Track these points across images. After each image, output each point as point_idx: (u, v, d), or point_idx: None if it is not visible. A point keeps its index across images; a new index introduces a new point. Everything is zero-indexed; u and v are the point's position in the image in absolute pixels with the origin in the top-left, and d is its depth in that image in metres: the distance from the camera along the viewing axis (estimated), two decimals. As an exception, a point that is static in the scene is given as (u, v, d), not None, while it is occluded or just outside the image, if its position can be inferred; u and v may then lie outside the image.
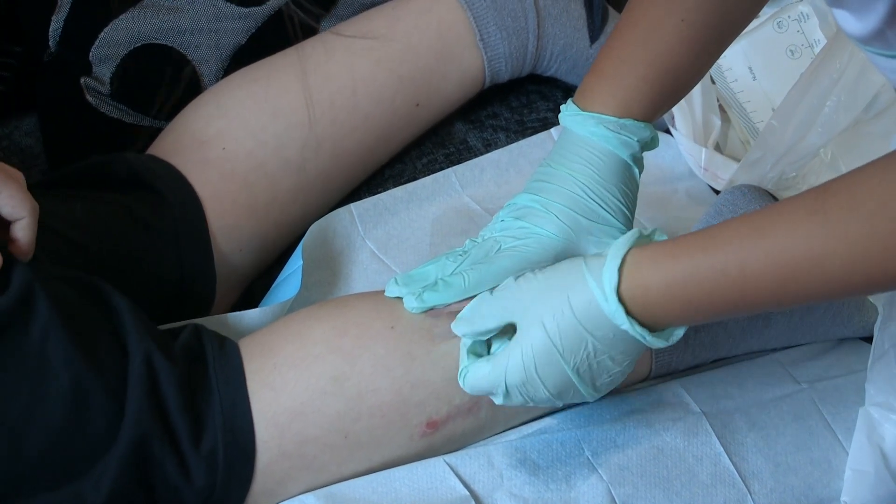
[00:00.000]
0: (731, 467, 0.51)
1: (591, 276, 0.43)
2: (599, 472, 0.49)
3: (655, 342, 0.43)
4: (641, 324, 0.43)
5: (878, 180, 0.37)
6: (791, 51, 0.73)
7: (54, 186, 0.60)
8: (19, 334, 0.45)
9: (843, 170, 0.60)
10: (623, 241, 0.44)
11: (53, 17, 0.66)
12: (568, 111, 0.51)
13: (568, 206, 0.48)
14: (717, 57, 0.54)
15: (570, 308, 0.43)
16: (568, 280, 0.44)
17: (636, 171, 0.51)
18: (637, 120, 0.49)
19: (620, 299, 0.42)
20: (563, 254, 0.48)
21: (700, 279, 0.41)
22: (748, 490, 0.50)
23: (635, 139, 0.49)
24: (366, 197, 0.64)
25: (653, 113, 0.51)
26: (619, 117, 0.49)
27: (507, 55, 0.68)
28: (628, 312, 0.42)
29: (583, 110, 0.50)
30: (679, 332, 0.44)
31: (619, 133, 0.49)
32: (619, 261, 0.43)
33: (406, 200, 0.63)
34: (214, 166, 0.62)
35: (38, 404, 0.45)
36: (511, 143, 0.68)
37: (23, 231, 0.47)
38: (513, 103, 0.72)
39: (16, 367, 0.45)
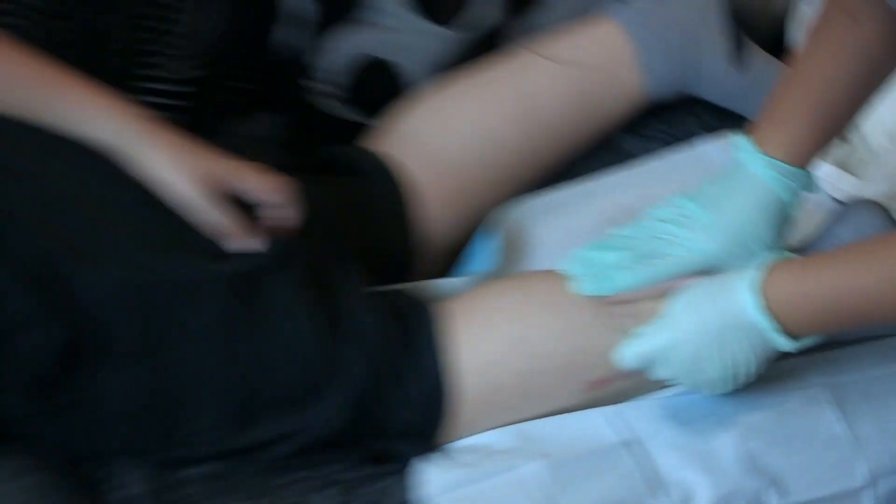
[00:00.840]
0: (845, 431, 0.62)
1: (742, 285, 0.54)
2: (734, 429, 0.61)
3: (790, 345, 0.54)
4: (782, 331, 0.53)
5: None
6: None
7: (291, 171, 0.76)
8: (273, 284, 0.60)
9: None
10: (770, 261, 0.55)
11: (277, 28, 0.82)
12: (743, 148, 0.60)
13: (729, 233, 0.59)
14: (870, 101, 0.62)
15: (726, 313, 0.55)
16: (727, 287, 0.55)
17: (792, 211, 0.60)
18: (803, 169, 0.59)
19: (768, 311, 0.53)
20: (714, 269, 0.59)
21: (839, 296, 0.52)
22: (858, 452, 0.61)
23: (798, 185, 0.59)
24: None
25: (814, 158, 0.60)
26: (789, 164, 0.59)
27: (665, 77, 0.79)
28: (773, 322, 0.53)
29: (756, 149, 0.59)
30: (810, 341, 0.55)
31: (787, 179, 0.59)
32: (756, 279, 0.53)
33: (579, 195, 0.77)
34: (424, 159, 0.76)
35: (293, 341, 0.60)
36: (664, 152, 0.80)
37: (285, 211, 0.63)
38: (666, 118, 0.83)
39: (273, 310, 0.60)
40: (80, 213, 0.59)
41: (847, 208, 0.70)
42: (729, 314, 0.55)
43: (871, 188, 0.73)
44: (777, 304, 0.53)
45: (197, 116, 0.76)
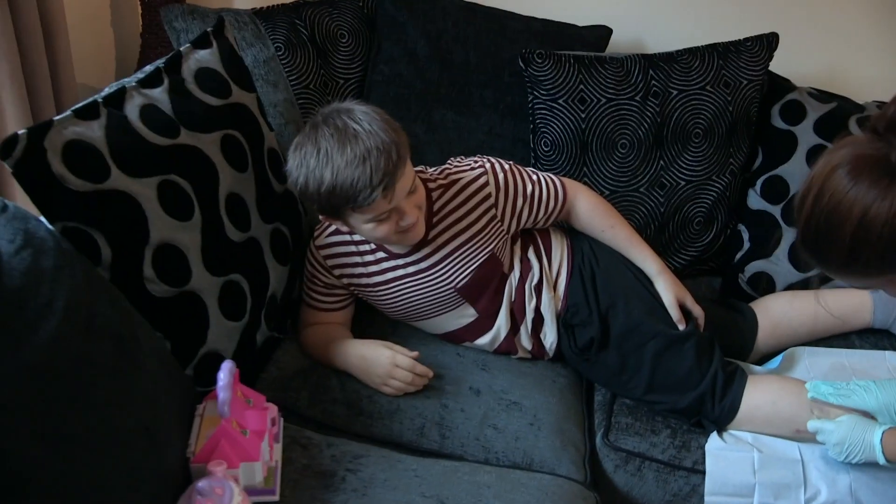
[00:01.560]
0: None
1: (877, 431, 1.36)
2: (850, 474, 1.43)
3: (884, 462, 1.35)
4: (883, 454, 1.35)
5: None
6: None
7: (709, 303, 1.71)
8: (689, 343, 1.56)
9: None
10: (888, 425, 1.38)
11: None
12: None
13: (883, 402, 1.36)
14: None
15: (864, 434, 1.35)
16: (869, 425, 1.37)
17: None
18: None
19: (881, 444, 1.33)
20: (870, 414, 1.39)
21: None
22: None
23: None
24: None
25: None
26: None
27: (883, 322, 1.62)
28: (881, 449, 1.34)
29: None
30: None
31: None
32: (883, 430, 1.36)
33: (825, 354, 1.63)
34: (770, 321, 1.68)
35: (688, 370, 1.56)
36: (871, 351, 1.64)
37: (700, 319, 1.60)
38: (873, 340, 1.67)
39: (685, 355, 1.57)
40: (626, 277, 1.58)
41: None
42: (865, 434, 1.38)
43: None
44: (887, 444, 1.35)
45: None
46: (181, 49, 1.48)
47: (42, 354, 0.93)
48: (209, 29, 1.54)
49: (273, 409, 1.26)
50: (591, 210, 1.62)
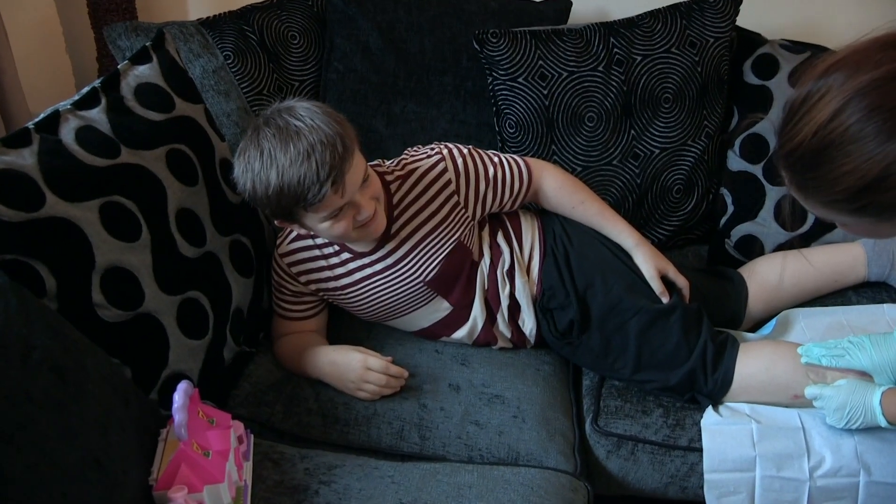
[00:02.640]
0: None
1: (876, 393, 1.29)
2: (853, 438, 1.36)
3: (885, 424, 1.29)
4: (884, 416, 1.28)
5: None
6: None
7: (695, 272, 1.63)
8: (674, 315, 1.49)
9: None
10: (886, 385, 1.31)
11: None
12: None
13: (878, 362, 1.30)
14: None
15: (864, 397, 1.29)
16: (868, 388, 1.30)
17: None
18: None
19: (881, 406, 1.27)
20: (866, 373, 1.32)
21: None
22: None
23: None
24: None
25: None
26: None
27: (878, 275, 1.55)
28: (882, 411, 1.27)
29: None
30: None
31: None
32: (882, 391, 1.29)
33: (819, 313, 1.56)
34: (760, 285, 1.61)
35: (676, 345, 1.49)
36: (868, 305, 1.57)
37: (685, 289, 1.52)
38: (871, 292, 1.60)
39: (671, 326, 1.50)
40: (602, 254, 1.51)
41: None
42: (865, 399, 1.31)
43: None
44: (887, 406, 1.29)
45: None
46: (119, 66, 1.43)
47: (-27, 392, 0.89)
48: (148, 43, 1.49)
49: (239, 427, 1.22)
50: (559, 187, 1.56)
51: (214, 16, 1.81)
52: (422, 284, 1.48)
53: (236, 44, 1.75)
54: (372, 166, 1.46)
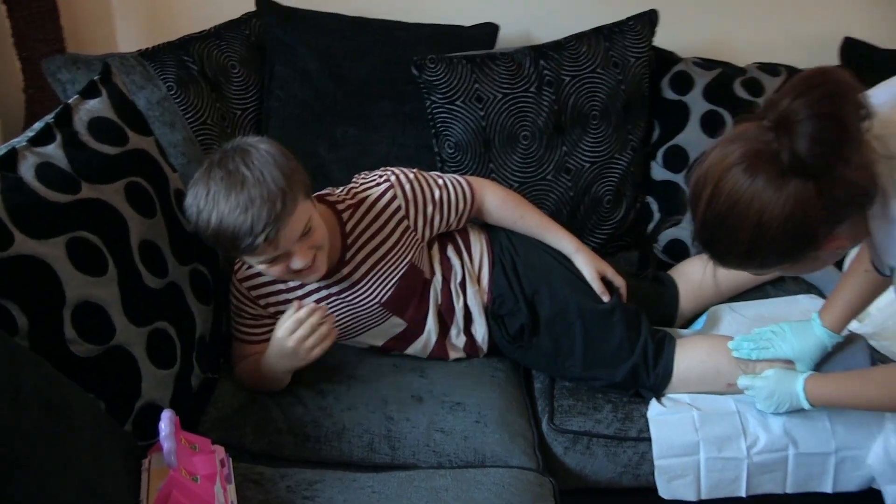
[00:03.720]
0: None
1: (799, 381, 1.44)
2: (780, 420, 1.51)
3: (809, 406, 1.43)
4: (807, 400, 1.43)
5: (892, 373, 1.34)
6: None
7: (634, 277, 1.76)
8: (617, 315, 1.60)
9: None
10: (807, 372, 1.46)
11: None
12: (816, 321, 1.48)
13: (799, 350, 1.46)
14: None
15: (789, 385, 1.44)
16: (791, 376, 1.45)
17: (827, 350, 1.48)
18: (837, 334, 1.47)
19: (804, 392, 1.42)
20: (790, 360, 1.48)
21: (839, 394, 1.40)
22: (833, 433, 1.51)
23: (833, 342, 1.48)
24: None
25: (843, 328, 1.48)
26: (834, 332, 1.46)
27: None
28: (805, 396, 1.42)
29: (820, 321, 1.47)
30: (817, 409, 1.45)
31: (832, 338, 1.47)
32: (804, 378, 1.44)
33: (742, 307, 1.71)
34: (689, 285, 1.74)
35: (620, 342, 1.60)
36: (784, 298, 1.72)
37: (623, 289, 1.64)
38: (786, 286, 1.75)
39: (615, 327, 1.61)
40: (546, 261, 1.62)
41: (849, 337, 1.58)
42: (789, 386, 1.45)
43: (863, 328, 1.61)
44: (810, 389, 1.43)
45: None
46: (69, 101, 1.44)
47: (-32, 432, 0.90)
48: (96, 77, 1.50)
49: (220, 451, 1.25)
50: (500, 204, 1.65)
51: (153, 47, 1.82)
52: (378, 306, 1.54)
53: (178, 74, 1.77)
54: (322, 195, 1.52)
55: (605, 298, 1.60)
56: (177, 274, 1.45)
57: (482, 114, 1.82)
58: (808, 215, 0.95)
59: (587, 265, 1.63)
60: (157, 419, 1.22)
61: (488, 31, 2.02)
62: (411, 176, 1.58)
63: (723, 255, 1.05)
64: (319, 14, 1.91)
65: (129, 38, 2.14)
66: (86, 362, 1.23)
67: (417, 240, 1.57)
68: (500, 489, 1.30)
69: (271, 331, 1.56)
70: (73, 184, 1.30)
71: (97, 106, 1.46)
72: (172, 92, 1.76)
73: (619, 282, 1.65)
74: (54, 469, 1.00)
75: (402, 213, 1.54)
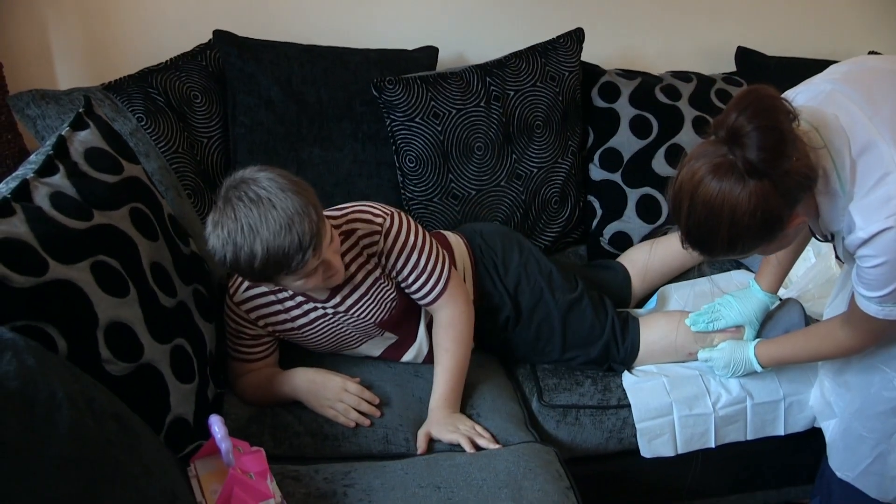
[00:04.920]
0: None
1: (749, 348, 1.66)
2: (739, 381, 1.74)
3: (760, 369, 1.66)
4: (759, 364, 1.65)
5: (831, 326, 1.52)
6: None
7: (580, 269, 1.94)
8: (586, 299, 1.78)
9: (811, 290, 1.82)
10: (755, 340, 1.68)
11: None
12: (754, 286, 1.72)
13: (745, 315, 1.70)
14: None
15: (742, 353, 1.66)
16: (742, 346, 1.67)
17: (768, 309, 1.72)
18: (775, 295, 1.72)
19: (755, 357, 1.64)
20: (740, 325, 1.70)
21: (785, 353, 1.62)
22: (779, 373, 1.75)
23: (773, 302, 1.71)
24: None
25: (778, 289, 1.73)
26: (771, 293, 1.71)
27: None
28: (757, 361, 1.64)
29: (757, 285, 1.72)
30: (769, 370, 1.68)
31: (772, 299, 1.70)
32: (753, 346, 1.66)
33: (688, 285, 1.93)
34: (637, 268, 1.94)
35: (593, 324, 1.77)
36: (721, 275, 1.96)
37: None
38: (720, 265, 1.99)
39: (549, 311, 1.78)
40: (525, 263, 1.77)
41: (784, 301, 1.83)
42: (742, 353, 1.67)
43: (790, 293, 1.87)
44: (759, 354, 1.64)
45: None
46: (62, 133, 1.47)
47: (68, 445, 0.95)
48: (80, 109, 1.54)
49: (262, 451, 1.32)
50: (446, 324, 1.62)
51: (116, 80, 1.86)
52: (373, 325, 1.63)
53: (146, 106, 1.82)
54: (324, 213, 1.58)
55: (420, 451, 1.51)
56: (184, 294, 1.51)
57: (440, 129, 1.96)
58: (770, 205, 1.13)
59: (433, 424, 1.54)
60: (185, 432, 1.30)
61: (429, 54, 2.17)
62: (402, 235, 1.57)
63: (711, 251, 1.22)
64: (275, 43, 2.00)
65: (69, 75, 2.15)
66: (121, 381, 1.27)
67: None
68: (517, 458, 1.44)
69: (269, 346, 1.63)
70: (85, 211, 1.35)
71: (88, 137, 1.50)
72: (143, 123, 1.80)
73: (468, 447, 1.51)
74: (142, 475, 1.05)
75: (375, 260, 1.58)
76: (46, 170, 1.38)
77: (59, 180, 1.37)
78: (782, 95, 1.24)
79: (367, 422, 1.53)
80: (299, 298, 1.57)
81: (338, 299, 1.57)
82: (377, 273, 1.58)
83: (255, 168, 1.37)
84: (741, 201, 1.12)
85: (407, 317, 1.67)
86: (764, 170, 1.11)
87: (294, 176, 1.39)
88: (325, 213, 1.56)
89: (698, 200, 1.15)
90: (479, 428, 1.52)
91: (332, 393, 1.53)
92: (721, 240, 1.17)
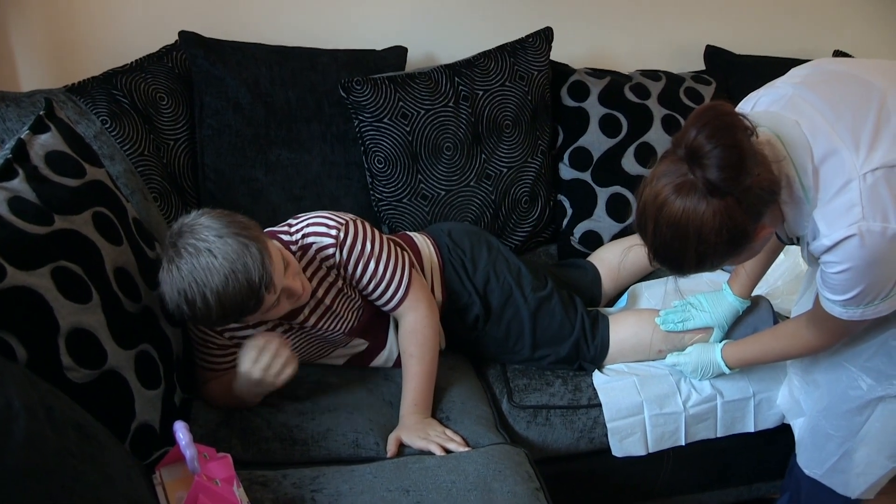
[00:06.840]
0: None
1: (716, 350, 1.67)
2: (712, 383, 1.76)
3: (728, 371, 1.67)
4: (727, 366, 1.66)
5: (796, 326, 1.54)
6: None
7: (554, 267, 1.94)
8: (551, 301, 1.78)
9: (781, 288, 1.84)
10: (723, 340, 1.69)
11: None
12: (727, 290, 1.73)
13: (716, 316, 1.71)
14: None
15: (709, 355, 1.67)
16: (709, 348, 1.68)
17: (739, 314, 1.72)
18: (746, 299, 1.72)
19: (723, 359, 1.65)
20: (710, 326, 1.71)
21: (752, 354, 1.64)
22: (747, 373, 1.76)
23: (744, 306, 1.72)
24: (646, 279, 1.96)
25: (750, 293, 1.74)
26: (743, 298, 1.72)
27: None
28: (724, 363, 1.65)
29: (730, 289, 1.72)
30: (736, 371, 1.69)
31: (742, 303, 1.71)
32: (720, 348, 1.67)
33: (661, 283, 1.93)
34: (607, 268, 1.95)
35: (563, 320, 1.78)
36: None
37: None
38: None
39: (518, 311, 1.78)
40: (494, 261, 1.77)
41: (754, 299, 1.84)
42: (710, 356, 1.68)
43: (759, 290, 1.88)
44: (727, 356, 1.66)
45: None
46: (21, 136, 1.45)
47: (24, 455, 0.93)
48: (42, 112, 1.52)
49: (228, 458, 1.30)
50: (409, 330, 1.62)
51: (79, 82, 1.83)
52: (341, 335, 1.63)
53: (110, 108, 1.80)
54: (275, 233, 1.55)
55: (390, 454, 1.50)
56: (148, 298, 1.49)
57: (408, 129, 1.95)
58: (735, 221, 1.13)
59: (403, 430, 1.52)
60: (151, 438, 1.28)
61: (398, 54, 2.16)
62: (358, 245, 1.56)
63: (680, 268, 1.22)
64: (243, 44, 1.98)
65: (31, 76, 2.11)
66: (83, 388, 1.25)
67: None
68: (487, 460, 1.43)
69: (235, 356, 1.60)
70: (46, 216, 1.32)
71: (49, 140, 1.48)
72: (107, 125, 1.78)
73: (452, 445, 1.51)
74: (103, 485, 1.03)
75: (335, 272, 1.58)
76: (5, 174, 1.35)
77: (19, 184, 1.34)
78: (745, 99, 1.24)
79: (295, 355, 1.47)
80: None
81: (304, 315, 1.56)
82: (339, 284, 1.57)
83: (196, 213, 1.35)
84: (706, 220, 1.12)
85: (374, 322, 1.67)
86: (726, 188, 1.11)
87: (234, 214, 1.36)
88: (278, 232, 1.55)
89: (663, 221, 1.15)
90: (449, 432, 1.51)
91: (256, 372, 1.44)
92: (689, 258, 1.17)
